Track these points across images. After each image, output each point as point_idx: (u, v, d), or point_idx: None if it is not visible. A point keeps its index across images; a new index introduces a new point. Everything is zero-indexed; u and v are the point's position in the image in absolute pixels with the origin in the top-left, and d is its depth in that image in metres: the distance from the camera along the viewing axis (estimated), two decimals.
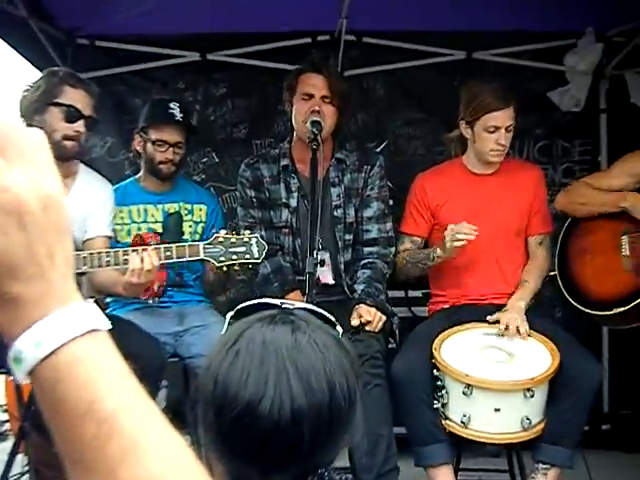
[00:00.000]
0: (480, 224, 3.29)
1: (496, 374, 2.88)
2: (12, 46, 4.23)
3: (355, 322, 3.08)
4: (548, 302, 4.13)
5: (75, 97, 3.04)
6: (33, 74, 4.25)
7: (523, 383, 2.83)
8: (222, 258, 2.85)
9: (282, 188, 3.39)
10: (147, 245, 3.10)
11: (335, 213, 3.36)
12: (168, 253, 2.89)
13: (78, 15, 4.53)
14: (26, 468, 3.13)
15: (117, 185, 3.63)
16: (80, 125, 3.04)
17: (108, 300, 3.67)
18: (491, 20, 4.50)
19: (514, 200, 3.37)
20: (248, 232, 2.89)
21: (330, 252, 3.35)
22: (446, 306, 3.34)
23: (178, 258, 2.91)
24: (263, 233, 3.25)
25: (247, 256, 2.85)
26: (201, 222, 3.67)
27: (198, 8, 4.27)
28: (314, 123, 3.12)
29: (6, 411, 4.92)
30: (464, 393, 2.85)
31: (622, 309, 3.10)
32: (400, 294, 3.79)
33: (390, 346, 3.29)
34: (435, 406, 2.92)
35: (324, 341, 1.21)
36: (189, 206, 3.66)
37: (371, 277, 3.30)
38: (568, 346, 3.00)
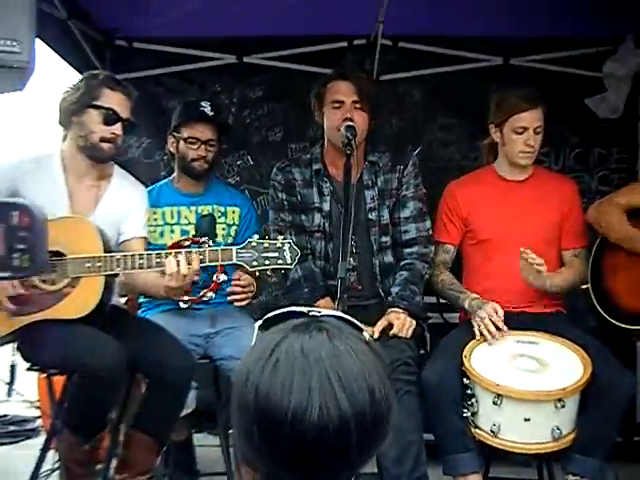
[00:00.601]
0: (511, 231, 3.30)
1: (527, 384, 2.84)
2: (52, 47, 4.28)
3: (379, 327, 3.08)
4: (582, 313, 4.08)
5: (114, 100, 3.07)
6: (72, 75, 4.31)
7: (554, 394, 2.80)
8: (255, 263, 2.85)
9: (315, 192, 3.39)
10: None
11: (369, 216, 3.35)
12: (201, 257, 2.91)
13: (116, 17, 4.58)
14: (57, 465, 3.17)
15: (151, 187, 3.66)
16: (118, 128, 3.07)
17: (141, 300, 3.70)
18: (528, 26, 4.47)
19: (545, 209, 3.35)
20: (281, 237, 2.89)
21: (365, 256, 3.33)
22: None
23: (211, 262, 2.92)
24: (294, 237, 3.26)
25: (280, 261, 2.85)
26: (234, 225, 3.69)
27: (235, 11, 4.29)
28: (348, 128, 3.12)
29: (38, 408, 4.98)
30: (494, 402, 2.82)
31: None
32: (432, 300, 3.76)
33: (421, 352, 3.28)
34: (465, 415, 2.91)
35: (360, 348, 1.23)
36: (222, 208, 3.68)
37: (407, 279, 3.28)
38: (601, 356, 2.96)
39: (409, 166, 3.40)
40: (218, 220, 3.66)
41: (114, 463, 3.13)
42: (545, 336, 3.10)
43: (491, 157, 3.46)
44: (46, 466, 3.19)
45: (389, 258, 3.38)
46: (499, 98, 3.32)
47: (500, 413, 2.84)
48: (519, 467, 3.82)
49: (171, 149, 3.66)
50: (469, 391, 2.92)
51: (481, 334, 3.08)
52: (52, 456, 3.21)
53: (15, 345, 3.05)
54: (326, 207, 3.37)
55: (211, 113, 3.59)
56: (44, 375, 3.28)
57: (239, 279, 3.35)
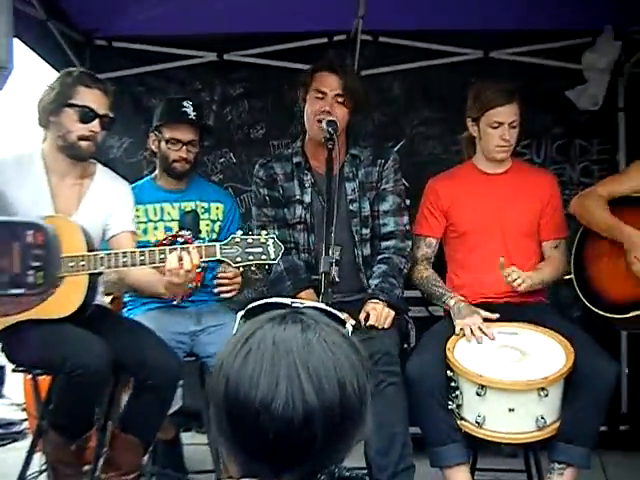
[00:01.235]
0: (491, 223, 3.32)
1: (510, 374, 2.86)
2: (32, 48, 4.27)
3: (361, 317, 3.10)
4: (567, 303, 4.11)
5: (89, 97, 3.05)
6: (52, 76, 4.29)
7: (536, 383, 2.82)
8: (239, 259, 2.85)
9: (296, 185, 3.40)
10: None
11: (350, 207, 3.37)
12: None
13: (96, 16, 4.57)
14: (44, 467, 3.16)
15: (133, 184, 3.65)
16: (95, 125, 3.05)
17: (126, 299, 3.70)
18: (508, 19, 4.49)
19: (525, 201, 3.37)
20: (265, 233, 2.89)
21: (346, 247, 3.35)
22: None
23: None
24: (277, 232, 3.26)
25: (263, 257, 2.86)
26: (218, 221, 3.70)
27: (216, 8, 4.29)
28: (330, 122, 3.13)
29: (24, 410, 4.97)
30: (478, 394, 2.84)
31: (638, 312, 3.07)
32: (417, 294, 3.78)
33: (404, 346, 3.29)
34: (450, 407, 2.92)
35: (334, 340, 1.22)
36: (206, 204, 3.69)
37: (386, 272, 3.30)
38: (584, 345, 2.98)
39: (390, 161, 3.41)
40: (202, 216, 3.67)
41: (101, 463, 3.13)
42: (527, 326, 3.12)
43: (471, 150, 3.48)
44: (33, 468, 3.19)
45: (368, 251, 3.40)
46: (475, 92, 3.34)
47: (484, 404, 2.85)
48: (506, 458, 3.85)
49: (153, 147, 3.66)
50: (453, 383, 2.93)
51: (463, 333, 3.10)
52: (39, 458, 3.20)
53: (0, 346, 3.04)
54: (307, 199, 3.38)
55: (193, 114, 3.58)
56: (29, 376, 3.27)
57: (224, 271, 3.36)
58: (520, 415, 2.85)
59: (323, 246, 2.78)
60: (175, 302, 3.48)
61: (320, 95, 3.28)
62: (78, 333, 2.86)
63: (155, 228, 3.62)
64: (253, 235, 2.88)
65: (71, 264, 2.87)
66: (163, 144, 3.59)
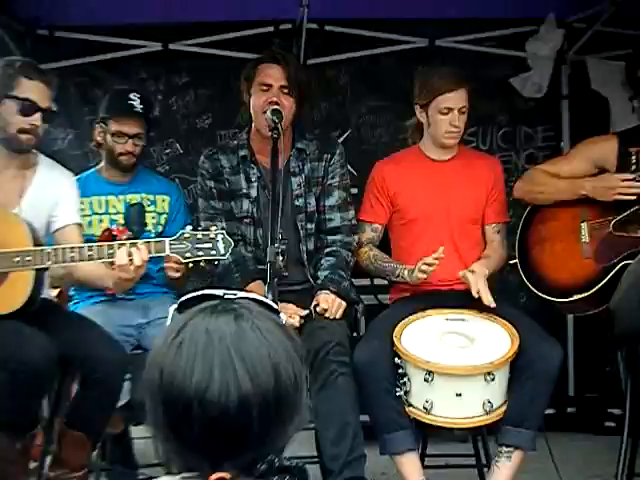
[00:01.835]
0: (438, 210, 3.34)
1: (456, 359, 2.89)
2: None
3: (312, 307, 3.11)
4: (513, 288, 4.17)
5: (31, 89, 2.97)
6: None
7: (482, 367, 2.85)
8: (188, 254, 2.84)
9: (242, 179, 3.38)
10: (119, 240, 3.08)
11: (296, 202, 3.36)
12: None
13: (37, 5, 4.49)
14: None
15: (77, 177, 3.59)
16: (36, 118, 2.98)
17: (72, 293, 3.65)
18: (454, 7, 4.52)
19: (471, 188, 3.40)
20: (214, 228, 2.88)
21: (291, 242, 3.34)
22: (407, 294, 3.35)
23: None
24: (224, 224, 3.24)
25: (213, 252, 2.84)
26: (164, 213, 3.66)
27: None
28: (274, 112, 3.11)
29: None
30: (425, 380, 2.86)
31: (582, 295, 3.12)
32: (366, 282, 3.79)
33: (353, 335, 3.30)
34: (398, 393, 2.93)
35: (267, 327, 1.22)
36: (152, 197, 3.65)
37: (334, 264, 3.30)
38: (529, 330, 3.02)
39: (336, 155, 3.40)
40: (147, 209, 3.63)
41: (49, 461, 3.09)
42: (474, 313, 3.14)
43: (417, 136, 3.49)
44: None
45: (312, 245, 3.40)
46: (423, 79, 3.33)
47: (432, 390, 2.88)
48: (456, 443, 3.89)
49: (98, 138, 3.62)
50: (401, 370, 2.94)
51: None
52: None
53: None
54: (253, 193, 3.36)
55: (140, 107, 3.54)
56: None
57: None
58: (467, 400, 2.88)
59: (269, 237, 2.78)
60: (120, 296, 3.44)
61: (265, 87, 3.26)
62: (21, 328, 2.81)
63: (100, 221, 3.58)
64: (203, 231, 2.86)
65: (16, 259, 2.81)
66: (109, 137, 3.54)
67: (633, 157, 3.26)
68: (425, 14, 4.63)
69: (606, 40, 4.71)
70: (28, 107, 2.97)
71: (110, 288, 3.10)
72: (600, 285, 3.09)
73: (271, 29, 4.75)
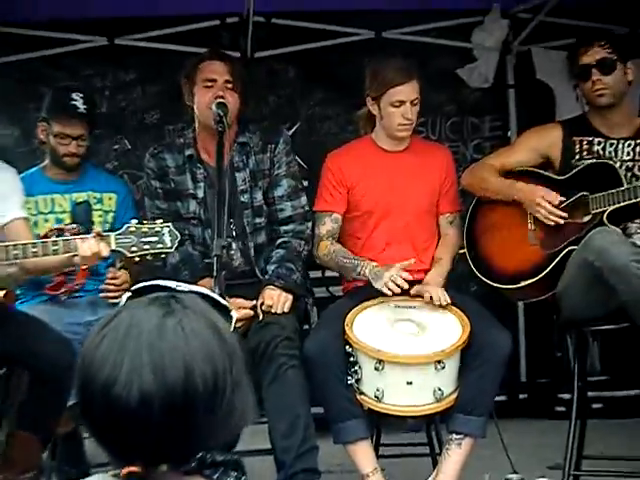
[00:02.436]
0: (393, 202, 3.33)
1: (407, 348, 2.90)
2: None
3: (258, 304, 3.11)
4: (463, 277, 4.19)
5: None
6: None
7: (433, 356, 2.87)
8: (134, 248, 2.81)
9: (188, 178, 3.34)
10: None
11: (242, 198, 3.32)
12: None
13: None
14: None
15: (22, 175, 3.54)
16: None
17: (18, 292, 3.59)
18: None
19: (424, 178, 3.39)
20: (160, 221, 2.86)
21: (239, 237, 3.33)
22: (360, 284, 3.34)
23: None
24: (170, 225, 3.22)
25: (159, 245, 2.82)
26: (111, 211, 3.61)
27: None
28: (220, 105, 3.10)
29: None
30: (376, 368, 2.87)
31: (529, 282, 3.15)
32: (317, 274, 3.80)
33: (304, 327, 3.30)
34: (349, 382, 2.94)
35: (194, 327, 1.20)
36: (98, 195, 3.61)
37: (283, 257, 3.28)
38: (478, 317, 3.04)
39: (280, 144, 3.37)
40: (94, 207, 3.58)
41: None
42: (424, 301, 3.15)
43: (368, 127, 3.46)
44: None
45: (262, 238, 3.36)
46: (374, 71, 3.30)
47: (383, 378, 2.89)
48: (410, 432, 3.91)
49: (42, 137, 3.57)
50: (352, 358, 2.95)
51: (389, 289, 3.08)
52: None
53: None
54: (200, 193, 3.33)
55: (83, 107, 3.48)
56: None
57: (114, 277, 3.31)
58: (418, 388, 2.89)
59: (215, 231, 2.77)
60: (62, 298, 3.42)
61: (209, 83, 3.23)
62: None
63: (46, 220, 3.52)
64: (148, 224, 2.84)
65: None
66: (52, 138, 3.49)
67: (577, 147, 3.31)
68: (371, 6, 4.64)
69: (550, 30, 4.77)
70: None
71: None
72: (547, 271, 3.12)
73: (217, 22, 4.72)
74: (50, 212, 3.54)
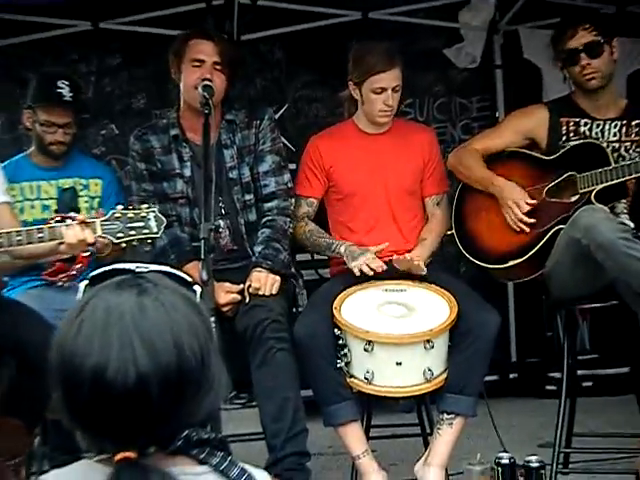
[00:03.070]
0: (375, 184, 3.34)
1: (396, 328, 2.91)
2: None
3: (246, 287, 3.10)
4: (453, 258, 4.20)
5: None
6: None
7: (421, 335, 2.87)
8: (120, 234, 2.80)
9: (174, 158, 3.32)
10: None
11: (230, 175, 3.32)
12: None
13: None
14: None
15: (7, 161, 3.52)
16: None
17: (5, 279, 3.57)
18: None
19: (406, 160, 3.40)
20: (145, 206, 2.84)
21: (231, 215, 3.31)
22: (347, 266, 3.35)
23: None
24: (157, 206, 3.19)
25: (145, 231, 2.81)
26: (97, 197, 3.61)
27: None
28: (206, 87, 3.08)
29: None
30: (365, 350, 2.87)
31: (517, 261, 3.16)
32: (306, 257, 3.79)
33: (293, 310, 3.30)
34: (339, 365, 2.94)
35: (172, 301, 1.19)
36: (84, 181, 3.60)
37: (269, 237, 3.26)
38: (466, 297, 3.05)
39: (265, 120, 3.36)
40: (80, 193, 3.58)
41: None
42: (413, 283, 3.16)
43: (352, 108, 3.46)
44: None
45: (253, 216, 3.35)
46: (356, 57, 3.31)
47: (372, 360, 2.89)
48: (401, 413, 3.93)
49: (27, 124, 3.56)
50: (341, 341, 2.95)
51: (362, 273, 3.12)
52: None
53: None
54: (187, 173, 3.31)
55: (69, 95, 3.46)
56: None
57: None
58: (408, 368, 2.89)
59: (203, 214, 2.75)
60: (60, 283, 3.40)
61: (197, 64, 3.20)
62: None
63: (32, 207, 3.52)
64: (134, 209, 2.82)
65: None
66: (38, 126, 3.47)
67: (564, 128, 3.31)
68: None
69: (537, 9, 4.74)
70: None
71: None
72: (534, 250, 3.12)
73: (203, 5, 4.67)
74: (36, 199, 3.53)
